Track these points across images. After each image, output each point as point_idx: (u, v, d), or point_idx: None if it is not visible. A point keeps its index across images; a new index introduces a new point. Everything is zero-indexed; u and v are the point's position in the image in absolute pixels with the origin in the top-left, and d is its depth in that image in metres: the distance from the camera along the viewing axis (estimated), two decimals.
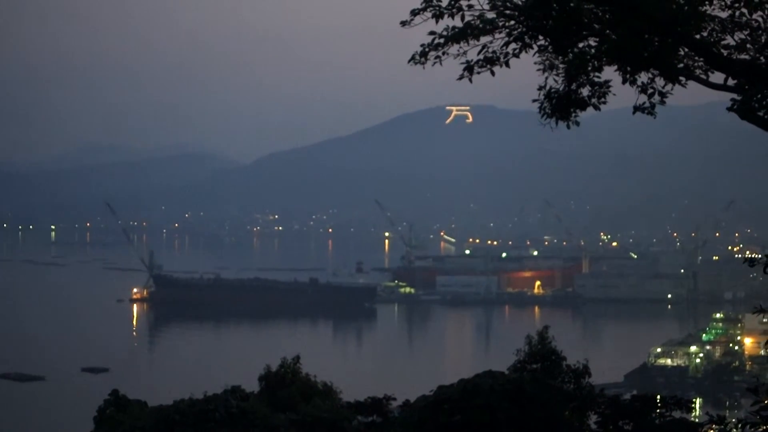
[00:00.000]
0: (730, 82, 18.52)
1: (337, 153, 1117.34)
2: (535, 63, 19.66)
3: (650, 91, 18.73)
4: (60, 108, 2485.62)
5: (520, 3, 18.80)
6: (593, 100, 19.35)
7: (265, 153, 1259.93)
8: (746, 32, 18.68)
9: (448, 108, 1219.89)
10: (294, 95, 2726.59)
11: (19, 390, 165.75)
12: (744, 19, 18.44)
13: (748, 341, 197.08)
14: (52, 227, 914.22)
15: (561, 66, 19.37)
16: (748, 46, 18.70)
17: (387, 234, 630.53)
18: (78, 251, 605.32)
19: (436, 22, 19.01)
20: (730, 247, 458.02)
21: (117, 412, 43.28)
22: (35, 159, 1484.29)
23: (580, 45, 18.93)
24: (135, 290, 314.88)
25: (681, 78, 18.70)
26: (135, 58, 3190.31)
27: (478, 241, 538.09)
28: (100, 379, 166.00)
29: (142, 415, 41.34)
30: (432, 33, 19.23)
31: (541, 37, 19.10)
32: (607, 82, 19.14)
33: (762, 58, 18.56)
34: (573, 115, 19.58)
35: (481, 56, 19.33)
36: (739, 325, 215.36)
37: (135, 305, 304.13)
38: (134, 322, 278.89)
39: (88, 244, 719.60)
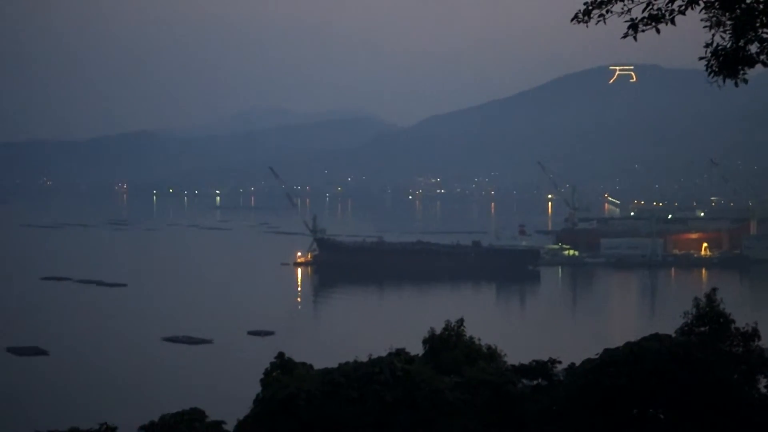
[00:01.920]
0: None
1: (498, 115, 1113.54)
2: (702, 20, 19.31)
3: None
4: (224, 73, 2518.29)
5: None
6: (762, 57, 18.94)
7: (425, 116, 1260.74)
8: None
9: (611, 68, 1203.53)
10: (452, 57, 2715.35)
11: (188, 353, 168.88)
12: None
13: None
14: (217, 192, 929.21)
15: (728, 22, 18.99)
16: None
17: (550, 196, 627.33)
18: (242, 215, 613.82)
19: None
20: None
21: (283, 374, 43.87)
22: (200, 124, 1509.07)
23: (748, 0, 18.54)
24: (299, 254, 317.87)
25: None
26: (294, 21, 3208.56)
27: (642, 202, 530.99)
28: (266, 342, 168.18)
29: (307, 378, 41.81)
30: None
31: None
32: None
33: None
34: (741, 72, 19.19)
35: (646, 13, 19.07)
36: None
37: (299, 269, 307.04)
38: (298, 286, 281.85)
39: (253, 208, 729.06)
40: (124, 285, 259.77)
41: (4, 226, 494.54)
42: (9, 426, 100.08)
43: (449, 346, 47.18)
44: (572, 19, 19.76)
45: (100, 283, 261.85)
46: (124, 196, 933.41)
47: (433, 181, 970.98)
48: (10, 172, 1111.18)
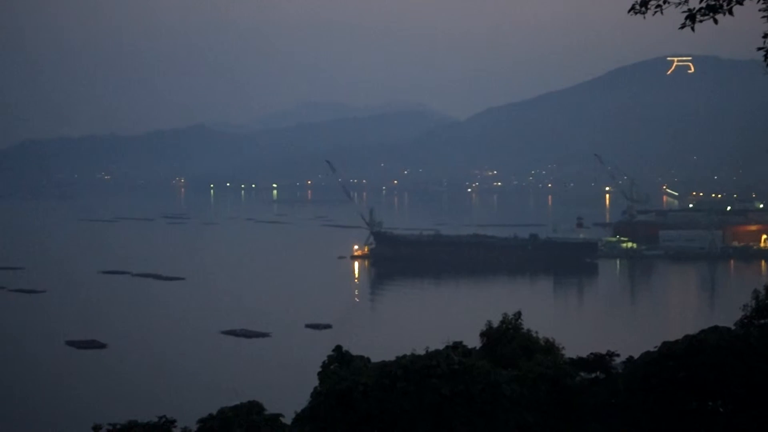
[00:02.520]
0: None
1: (554, 107, 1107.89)
2: (760, 10, 19.15)
3: None
4: (281, 67, 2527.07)
5: None
6: None
7: (481, 109, 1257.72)
8: None
9: (669, 59, 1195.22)
10: (507, 49, 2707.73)
11: (246, 346, 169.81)
12: None
13: None
14: (274, 185, 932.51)
15: None
16: None
17: (607, 188, 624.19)
18: (299, 209, 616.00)
19: None
20: None
21: (340, 367, 43.96)
22: (256, 118, 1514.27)
23: None
24: (356, 247, 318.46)
25: None
26: (350, 17, 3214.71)
27: (701, 194, 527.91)
28: (323, 335, 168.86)
29: (364, 371, 41.85)
30: None
31: None
32: None
33: None
34: None
35: (704, 4, 18.97)
36: None
37: (356, 262, 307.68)
38: (355, 279, 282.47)
39: (309, 201, 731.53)
40: (182, 279, 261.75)
41: (64, 220, 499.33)
42: (68, 418, 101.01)
43: (507, 339, 47.12)
44: (629, 10, 19.70)
45: (158, 277, 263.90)
46: (182, 190, 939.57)
47: (490, 173, 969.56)
48: (69, 167, 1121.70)
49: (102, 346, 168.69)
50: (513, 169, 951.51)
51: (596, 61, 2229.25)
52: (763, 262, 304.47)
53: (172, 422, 45.75)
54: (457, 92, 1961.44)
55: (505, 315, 48.28)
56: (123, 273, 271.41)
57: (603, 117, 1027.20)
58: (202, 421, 45.30)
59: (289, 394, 49.86)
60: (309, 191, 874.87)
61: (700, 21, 19.09)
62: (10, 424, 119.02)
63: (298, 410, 43.58)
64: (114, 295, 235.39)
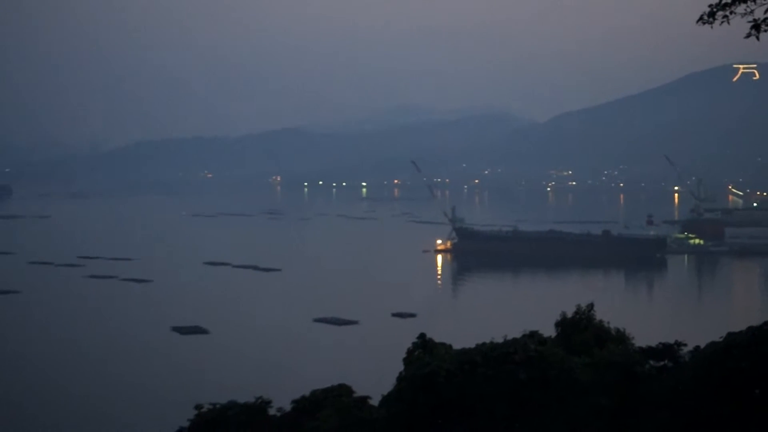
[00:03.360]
0: None
1: (628, 111, 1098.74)
2: None
3: None
4: (370, 73, 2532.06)
5: None
6: None
7: (558, 112, 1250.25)
8: None
9: (735, 66, 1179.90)
10: (582, 56, 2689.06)
11: (336, 333, 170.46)
12: None
13: None
14: (363, 184, 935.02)
15: None
16: None
17: (676, 188, 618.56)
18: (386, 206, 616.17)
19: None
20: None
21: (424, 353, 44.07)
22: (348, 122, 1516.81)
23: None
24: (439, 242, 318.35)
25: None
26: (436, 23, 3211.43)
27: (765, 194, 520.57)
28: (408, 323, 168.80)
29: (447, 357, 41.92)
30: None
31: None
32: None
33: None
34: None
35: None
36: None
37: (439, 256, 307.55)
38: (438, 272, 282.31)
39: (396, 199, 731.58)
40: (279, 270, 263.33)
41: (171, 215, 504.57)
42: (172, 399, 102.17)
43: (580, 328, 47.00)
44: (697, 21, 19.59)
45: (256, 268, 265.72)
46: (278, 188, 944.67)
47: (565, 173, 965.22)
48: (173, 166, 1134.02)
49: (204, 332, 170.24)
50: (587, 169, 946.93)
51: (668, 67, 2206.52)
52: None
53: (268, 403, 46.19)
54: (536, 97, 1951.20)
55: (578, 306, 48.17)
56: (224, 264, 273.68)
57: (673, 121, 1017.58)
58: (295, 401, 45.67)
59: (376, 378, 49.93)
60: (396, 190, 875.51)
61: (765, 30, 18.92)
62: (119, 404, 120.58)
63: (385, 393, 43.72)
64: (216, 285, 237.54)
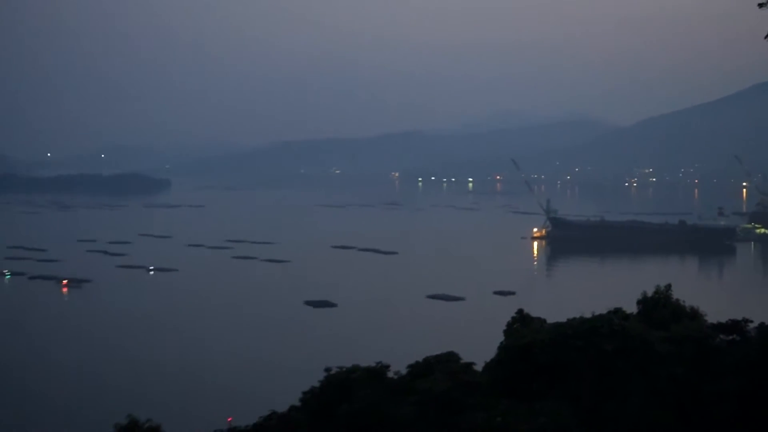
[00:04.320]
0: None
1: (702, 117, 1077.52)
2: None
3: None
4: (477, 81, 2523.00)
5: None
6: None
7: (641, 118, 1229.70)
8: None
9: None
10: (668, 66, 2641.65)
11: (445, 308, 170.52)
12: None
13: None
14: (469, 180, 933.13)
15: None
16: None
17: (744, 184, 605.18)
18: (490, 199, 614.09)
19: None
20: None
21: (522, 327, 43.96)
22: (457, 125, 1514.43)
23: None
24: (535, 230, 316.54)
25: None
26: (534, 37, 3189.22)
27: None
28: (508, 300, 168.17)
29: (541, 330, 41.80)
30: None
31: None
32: None
33: None
34: None
35: None
36: None
37: (535, 242, 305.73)
38: (534, 256, 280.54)
39: (498, 193, 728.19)
40: (396, 253, 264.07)
41: (304, 206, 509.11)
42: (304, 365, 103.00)
43: (659, 306, 46.69)
44: (765, 36, 19.15)
45: (377, 251, 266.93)
46: (396, 182, 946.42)
47: (646, 171, 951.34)
48: (309, 163, 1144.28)
49: (333, 305, 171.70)
50: (665, 167, 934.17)
51: (739, 77, 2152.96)
52: None
53: (387, 367, 46.39)
54: (622, 103, 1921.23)
55: (657, 286, 47.92)
56: (350, 248, 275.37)
57: (742, 125, 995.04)
58: (410, 366, 45.81)
59: (480, 347, 49.79)
60: (498, 184, 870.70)
61: None
62: (258, 365, 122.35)
63: (488, 360, 43.64)
64: (342, 265, 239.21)
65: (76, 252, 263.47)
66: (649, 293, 47.62)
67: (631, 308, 46.33)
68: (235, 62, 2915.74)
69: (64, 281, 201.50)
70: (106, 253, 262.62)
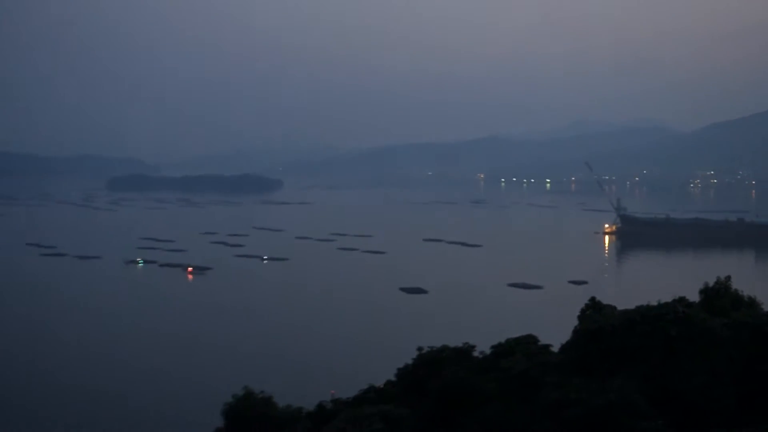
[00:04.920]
0: None
1: (760, 124, 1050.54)
2: None
3: None
4: (552, 90, 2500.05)
5: None
6: None
7: (704, 124, 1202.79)
8: None
9: None
10: (729, 74, 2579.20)
11: (524, 295, 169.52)
12: None
13: None
14: (547, 180, 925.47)
15: None
16: None
17: None
18: (566, 198, 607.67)
19: None
20: None
21: (594, 312, 43.64)
22: (537, 131, 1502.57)
23: None
24: (606, 226, 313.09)
25: None
26: (605, 51, 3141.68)
27: None
28: (582, 289, 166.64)
29: (612, 316, 41.51)
30: None
31: None
32: None
33: None
34: None
35: None
36: None
37: (606, 237, 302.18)
38: (606, 249, 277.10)
39: (573, 192, 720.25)
40: (481, 246, 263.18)
41: (393, 204, 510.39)
42: (399, 344, 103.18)
43: (719, 295, 46.16)
44: None
45: (463, 244, 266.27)
46: (482, 183, 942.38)
47: (708, 173, 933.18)
48: (406, 165, 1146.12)
49: (425, 292, 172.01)
50: (726, 169, 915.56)
51: None
52: None
53: (473, 347, 46.50)
54: (687, 110, 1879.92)
55: (718, 278, 47.33)
56: (439, 241, 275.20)
57: None
58: (493, 347, 45.82)
59: (556, 331, 49.48)
60: (572, 185, 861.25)
61: None
62: (357, 347, 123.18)
63: (563, 342, 43.40)
64: (433, 256, 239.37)
65: (199, 243, 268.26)
66: (711, 284, 47.08)
67: (694, 297, 45.71)
68: (340, 76, 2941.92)
69: (190, 268, 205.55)
70: (225, 244, 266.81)
